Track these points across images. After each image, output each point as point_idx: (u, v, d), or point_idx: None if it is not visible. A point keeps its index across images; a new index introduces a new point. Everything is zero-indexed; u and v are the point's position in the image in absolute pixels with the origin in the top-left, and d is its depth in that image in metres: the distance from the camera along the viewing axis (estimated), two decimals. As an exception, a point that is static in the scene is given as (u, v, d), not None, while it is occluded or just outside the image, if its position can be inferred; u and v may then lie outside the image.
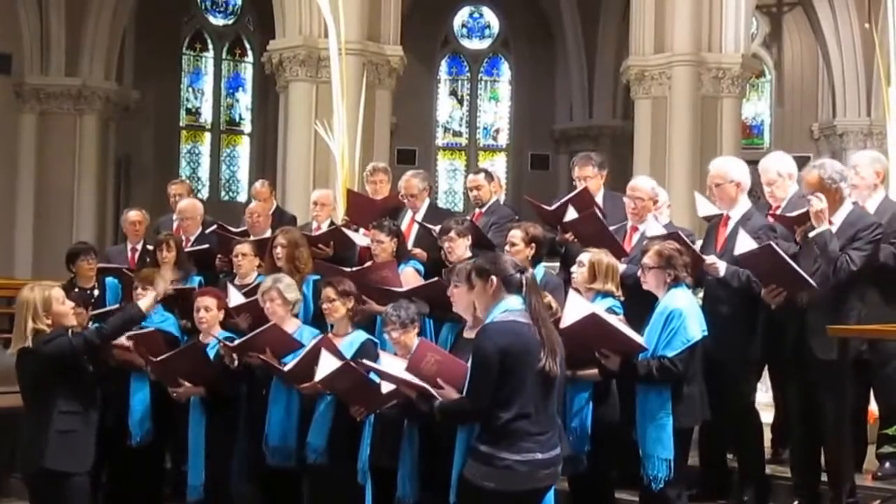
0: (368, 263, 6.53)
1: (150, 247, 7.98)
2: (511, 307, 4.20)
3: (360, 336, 5.71)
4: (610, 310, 5.27)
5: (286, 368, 5.58)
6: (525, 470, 4.10)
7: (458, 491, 4.33)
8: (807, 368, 5.38)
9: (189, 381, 5.93)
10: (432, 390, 4.52)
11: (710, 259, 5.59)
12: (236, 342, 5.83)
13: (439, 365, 4.55)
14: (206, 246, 7.59)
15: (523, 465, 4.09)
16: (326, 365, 5.26)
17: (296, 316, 6.09)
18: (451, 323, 5.62)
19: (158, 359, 5.85)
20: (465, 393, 4.30)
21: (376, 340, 5.79)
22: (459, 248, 6.21)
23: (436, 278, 6.04)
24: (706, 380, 5.27)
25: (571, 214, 6.34)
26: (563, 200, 6.56)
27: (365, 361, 5.20)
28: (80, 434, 5.33)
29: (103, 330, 5.50)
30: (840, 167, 5.49)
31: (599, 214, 6.26)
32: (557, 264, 6.83)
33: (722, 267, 5.57)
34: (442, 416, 4.47)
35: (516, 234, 5.87)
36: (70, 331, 5.34)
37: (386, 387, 4.97)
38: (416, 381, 4.61)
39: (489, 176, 7.52)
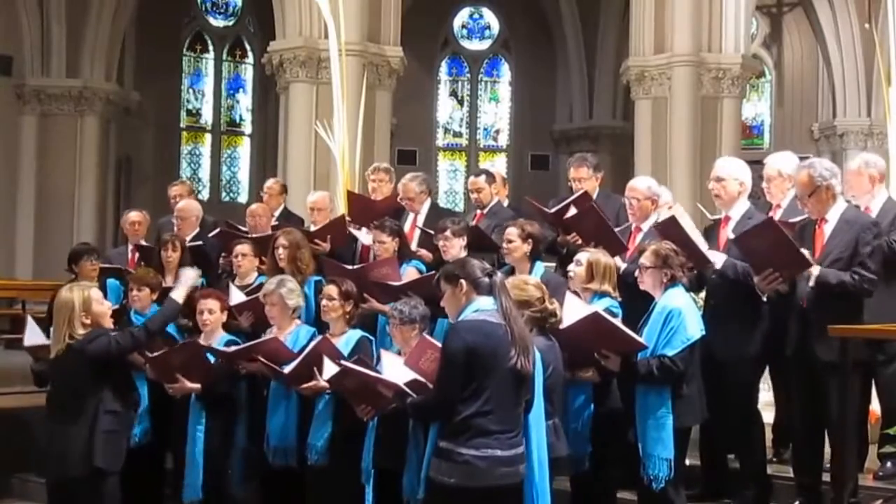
0: (372, 261, 6.55)
1: (143, 243, 7.98)
2: (482, 307, 4.27)
3: (356, 334, 5.73)
4: (608, 310, 5.28)
5: (286, 370, 5.58)
6: (484, 466, 4.13)
7: (424, 489, 4.38)
8: (809, 369, 5.38)
9: (186, 378, 5.90)
10: (406, 389, 4.58)
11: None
12: (232, 349, 5.82)
13: (437, 363, 4.57)
14: (200, 243, 7.58)
15: (482, 460, 4.13)
16: (329, 368, 5.28)
17: (298, 318, 6.10)
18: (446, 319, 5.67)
19: (155, 354, 5.84)
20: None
21: (372, 338, 5.82)
22: (454, 248, 6.23)
23: (431, 272, 6.06)
24: (708, 379, 5.28)
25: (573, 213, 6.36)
26: (564, 203, 6.56)
27: (345, 363, 5.20)
28: (121, 433, 5.39)
29: (149, 326, 5.52)
30: (829, 164, 5.48)
31: (599, 210, 6.28)
32: (554, 264, 6.82)
33: (719, 259, 5.54)
34: (413, 411, 4.59)
35: (513, 232, 5.90)
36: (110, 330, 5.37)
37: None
38: (391, 380, 4.70)
39: (490, 177, 7.51)
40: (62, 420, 5.33)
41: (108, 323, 5.43)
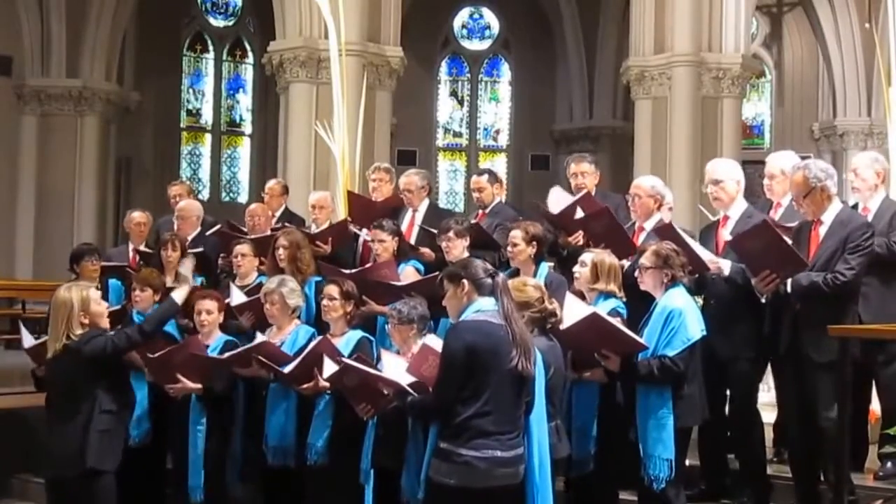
0: (369, 265, 6.54)
1: (143, 248, 7.99)
2: (484, 307, 4.28)
3: (357, 335, 5.73)
4: (615, 311, 5.28)
5: (287, 370, 5.58)
6: (484, 467, 4.15)
7: (424, 490, 4.39)
8: (801, 369, 5.38)
9: (186, 378, 5.88)
10: (406, 387, 4.59)
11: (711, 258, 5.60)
12: (227, 355, 5.82)
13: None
14: (201, 249, 7.58)
15: (482, 461, 4.15)
16: (329, 366, 5.28)
17: (297, 317, 6.10)
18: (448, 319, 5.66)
19: (156, 355, 5.83)
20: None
21: (372, 339, 5.82)
22: (457, 248, 6.23)
23: (434, 273, 6.05)
24: (708, 379, 5.28)
25: (580, 215, 6.36)
26: (569, 204, 6.55)
27: (346, 360, 5.20)
28: (116, 433, 5.37)
29: (144, 327, 5.50)
30: (824, 165, 5.49)
31: (612, 212, 6.27)
32: (552, 264, 6.82)
33: (726, 266, 5.58)
34: (411, 411, 4.61)
35: (517, 234, 5.88)
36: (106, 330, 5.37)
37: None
38: (390, 378, 4.70)
39: (492, 177, 7.51)
40: (59, 419, 5.34)
41: (106, 324, 5.43)
